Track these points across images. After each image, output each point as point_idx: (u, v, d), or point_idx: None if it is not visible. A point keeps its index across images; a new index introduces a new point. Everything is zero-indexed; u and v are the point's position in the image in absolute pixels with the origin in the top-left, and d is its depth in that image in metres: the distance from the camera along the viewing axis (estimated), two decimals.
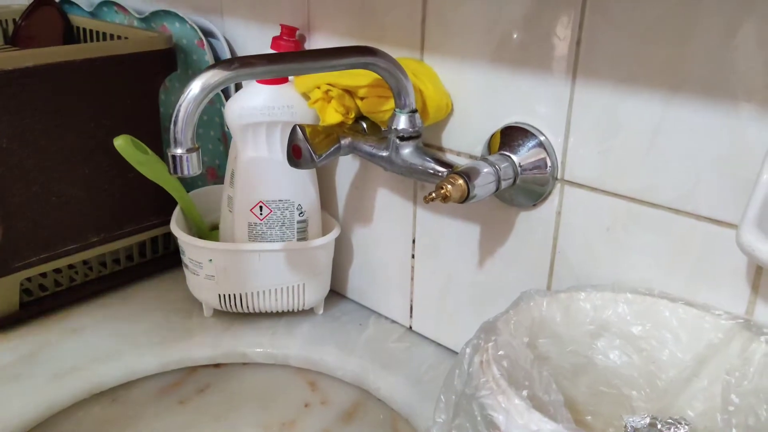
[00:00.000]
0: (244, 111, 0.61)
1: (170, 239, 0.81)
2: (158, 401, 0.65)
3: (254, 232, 0.66)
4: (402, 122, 0.54)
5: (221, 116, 0.79)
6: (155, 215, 0.77)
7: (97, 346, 0.64)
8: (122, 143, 0.65)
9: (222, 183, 0.81)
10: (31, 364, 0.62)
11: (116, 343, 0.65)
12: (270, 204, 0.65)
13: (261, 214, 0.65)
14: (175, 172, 0.46)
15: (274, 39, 0.66)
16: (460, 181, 0.48)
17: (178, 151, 0.45)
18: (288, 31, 0.66)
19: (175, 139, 0.45)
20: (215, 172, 0.83)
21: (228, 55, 0.77)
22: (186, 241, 0.66)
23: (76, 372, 0.61)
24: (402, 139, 0.53)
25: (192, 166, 0.46)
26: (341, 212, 0.71)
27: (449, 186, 0.48)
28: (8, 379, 0.60)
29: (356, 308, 0.72)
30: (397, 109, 0.53)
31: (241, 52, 0.77)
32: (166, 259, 0.80)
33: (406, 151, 0.54)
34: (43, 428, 0.58)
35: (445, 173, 0.52)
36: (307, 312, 0.71)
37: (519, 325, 0.43)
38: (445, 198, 0.48)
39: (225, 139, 0.80)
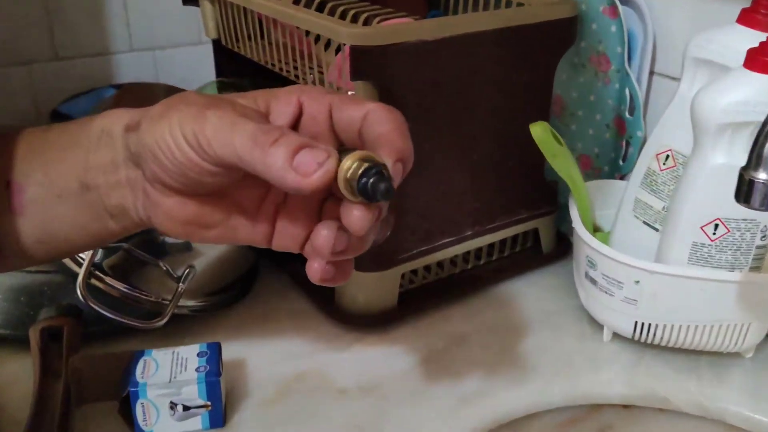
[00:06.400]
0: (732, 107, 0.47)
1: (532, 234, 0.70)
2: None
3: (698, 254, 0.53)
4: None
5: (616, 99, 0.66)
6: (525, 208, 0.68)
7: (491, 364, 0.56)
8: (540, 131, 0.55)
9: (599, 176, 0.70)
10: (429, 377, 0.55)
11: (511, 360, 0.56)
12: (729, 223, 0.51)
13: (714, 233, 0.52)
14: (746, 201, 0.34)
15: (744, 11, 0.52)
16: None
17: (763, 176, 0.33)
18: (765, 2, 0.51)
19: (761, 159, 0.33)
20: (590, 161, 0.71)
21: (647, 24, 0.64)
22: (608, 255, 0.55)
23: (480, 398, 0.53)
24: None
25: None
26: None
27: None
28: (414, 395, 0.53)
29: None
30: None
31: (659, 21, 0.63)
32: (527, 256, 0.70)
33: None
34: None
35: None
36: (731, 353, 0.57)
37: None
38: None
39: (619, 126, 0.67)
